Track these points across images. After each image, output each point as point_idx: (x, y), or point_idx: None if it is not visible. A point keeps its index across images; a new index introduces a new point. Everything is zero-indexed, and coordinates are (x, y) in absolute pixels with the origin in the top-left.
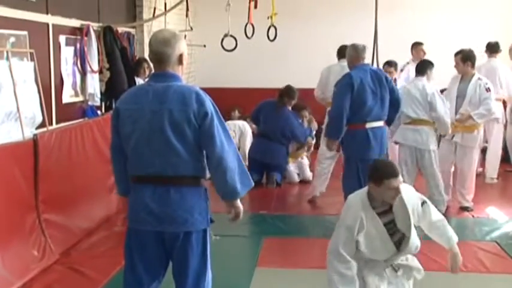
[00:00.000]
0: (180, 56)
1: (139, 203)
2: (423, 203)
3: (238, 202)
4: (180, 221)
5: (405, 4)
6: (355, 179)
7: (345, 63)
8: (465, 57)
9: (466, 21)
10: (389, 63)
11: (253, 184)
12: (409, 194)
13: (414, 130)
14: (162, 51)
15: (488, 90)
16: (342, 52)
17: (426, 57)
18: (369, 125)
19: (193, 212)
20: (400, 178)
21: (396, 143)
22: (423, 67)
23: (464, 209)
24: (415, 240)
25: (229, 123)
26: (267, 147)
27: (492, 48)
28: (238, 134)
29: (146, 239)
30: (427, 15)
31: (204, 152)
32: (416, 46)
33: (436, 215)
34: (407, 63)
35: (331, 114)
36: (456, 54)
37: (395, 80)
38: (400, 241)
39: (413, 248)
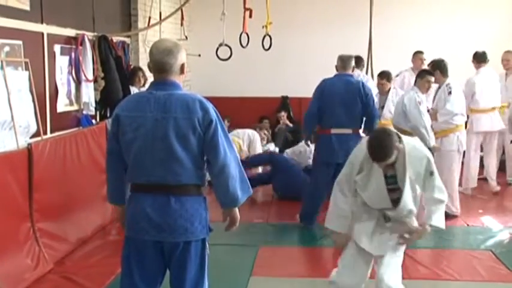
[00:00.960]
0: (182, 66)
1: (139, 212)
2: (431, 173)
3: (237, 210)
4: (181, 230)
5: (400, 13)
6: (316, 182)
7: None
8: (434, 67)
9: (462, 29)
10: (381, 75)
11: (252, 192)
12: (416, 154)
13: None
14: (164, 61)
15: (449, 93)
16: (357, 62)
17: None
18: (334, 131)
19: (194, 221)
20: (393, 157)
21: None
22: (416, 77)
23: (451, 216)
24: (408, 201)
25: (239, 132)
26: None
27: (480, 58)
28: (247, 142)
29: (145, 248)
30: (422, 24)
31: (205, 159)
32: (415, 55)
33: (439, 192)
34: (406, 70)
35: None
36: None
37: (388, 90)
38: (398, 200)
39: (405, 210)
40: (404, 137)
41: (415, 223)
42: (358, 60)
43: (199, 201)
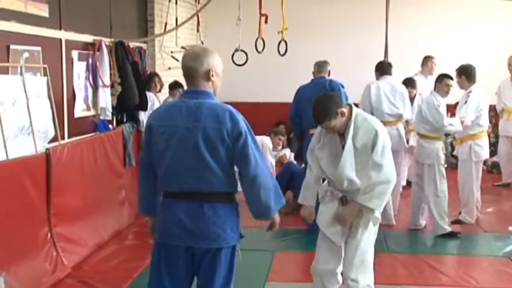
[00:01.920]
0: (208, 72)
1: (172, 218)
2: (373, 147)
3: (276, 215)
4: (213, 236)
5: (416, 18)
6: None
7: (388, 79)
8: (460, 72)
9: (476, 35)
10: (406, 83)
11: (284, 202)
12: (365, 126)
13: (418, 143)
14: (190, 65)
15: (465, 102)
16: (383, 69)
17: (437, 71)
18: (311, 131)
19: (226, 228)
20: (334, 121)
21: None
22: (435, 81)
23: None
24: (346, 167)
25: None
26: None
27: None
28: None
29: (177, 254)
30: (439, 29)
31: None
32: (425, 59)
33: (374, 169)
34: (415, 74)
35: None
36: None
37: (414, 96)
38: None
39: (343, 176)
40: (358, 110)
41: (371, 214)
42: (409, 81)
43: (232, 208)
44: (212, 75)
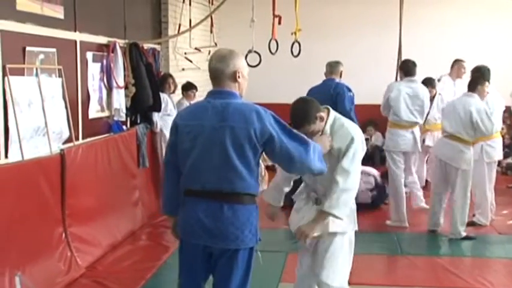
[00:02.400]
0: (234, 73)
1: (192, 216)
2: (345, 153)
3: None
4: (231, 237)
5: (431, 19)
6: None
7: (411, 82)
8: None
9: (490, 35)
10: (425, 82)
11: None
12: (342, 131)
13: (447, 144)
14: (216, 67)
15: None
16: (407, 69)
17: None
18: None
19: (244, 230)
20: (313, 126)
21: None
22: (473, 83)
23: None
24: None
25: None
26: None
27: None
28: None
29: (195, 252)
30: (454, 30)
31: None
32: (455, 63)
33: (341, 174)
34: (444, 75)
35: None
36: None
37: (434, 96)
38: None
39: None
40: (336, 114)
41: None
42: (429, 81)
43: (251, 210)
44: (238, 77)
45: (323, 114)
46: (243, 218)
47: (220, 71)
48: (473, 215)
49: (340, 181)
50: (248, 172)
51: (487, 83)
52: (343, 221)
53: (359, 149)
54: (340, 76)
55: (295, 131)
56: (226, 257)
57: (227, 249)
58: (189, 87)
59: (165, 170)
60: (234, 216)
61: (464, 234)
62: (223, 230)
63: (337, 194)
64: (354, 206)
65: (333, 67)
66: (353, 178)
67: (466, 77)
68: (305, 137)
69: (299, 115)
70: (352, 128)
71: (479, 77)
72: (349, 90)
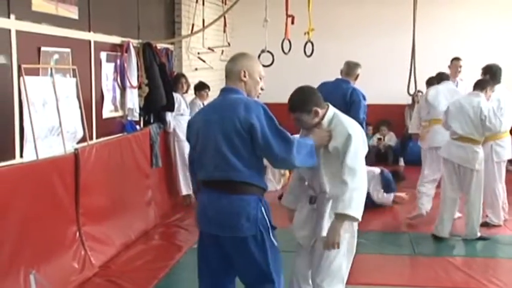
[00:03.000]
0: (239, 72)
1: (200, 207)
2: (345, 152)
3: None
4: (227, 225)
5: (445, 19)
6: None
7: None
8: (485, 71)
9: (504, 35)
10: (439, 81)
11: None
12: (340, 129)
13: (459, 146)
14: (227, 66)
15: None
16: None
17: (463, 73)
18: None
19: (239, 219)
20: (307, 115)
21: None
22: (483, 82)
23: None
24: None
25: None
26: None
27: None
28: None
29: (206, 241)
30: (468, 30)
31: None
32: (452, 61)
33: (348, 173)
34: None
35: None
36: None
37: None
38: None
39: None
40: (336, 111)
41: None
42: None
43: (249, 200)
44: (244, 76)
45: (320, 110)
46: (238, 207)
47: (228, 69)
48: (486, 216)
49: (348, 180)
50: (239, 161)
51: (496, 85)
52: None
53: (360, 146)
54: (356, 79)
55: (282, 129)
56: (237, 245)
57: (234, 238)
58: (201, 87)
59: (189, 166)
60: (230, 206)
61: (479, 234)
62: (220, 219)
63: (348, 194)
64: None
65: (350, 68)
66: (360, 176)
67: (463, 76)
68: (290, 136)
69: (296, 100)
70: (351, 126)
71: (489, 79)
72: (364, 98)
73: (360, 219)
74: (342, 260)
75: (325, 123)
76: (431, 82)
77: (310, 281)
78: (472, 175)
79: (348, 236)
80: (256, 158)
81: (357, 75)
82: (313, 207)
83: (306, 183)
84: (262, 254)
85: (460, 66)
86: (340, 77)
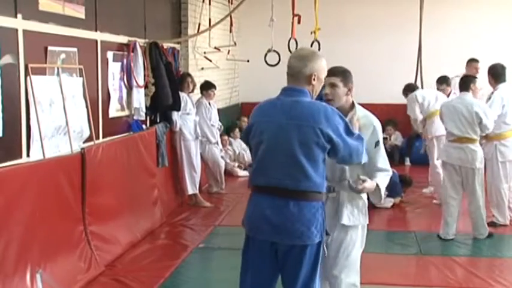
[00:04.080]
0: (310, 76)
1: (258, 212)
2: (377, 143)
3: None
4: (297, 234)
5: (451, 19)
6: None
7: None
8: (488, 71)
9: (510, 35)
10: (440, 81)
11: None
12: (364, 121)
13: (458, 148)
14: (294, 65)
15: (488, 99)
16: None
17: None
18: None
19: (310, 226)
20: (340, 82)
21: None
22: (467, 82)
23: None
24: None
25: None
26: None
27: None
28: None
29: (261, 248)
30: (474, 30)
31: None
32: (469, 63)
33: (383, 162)
34: (457, 76)
35: None
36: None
37: (449, 95)
38: None
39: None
40: (357, 104)
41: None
42: (444, 79)
43: (317, 207)
44: (313, 79)
45: (351, 92)
46: (308, 214)
47: (297, 69)
48: (493, 215)
49: (385, 167)
50: (314, 171)
51: (478, 82)
52: (355, 214)
53: (382, 136)
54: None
55: (351, 128)
56: (295, 253)
57: (293, 246)
58: (208, 87)
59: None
60: (300, 213)
61: (488, 232)
62: (289, 226)
63: (386, 177)
64: (366, 201)
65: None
66: (388, 163)
67: (481, 76)
68: (359, 133)
69: (341, 68)
70: (373, 117)
71: (472, 78)
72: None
73: (380, 201)
74: (357, 252)
75: (357, 111)
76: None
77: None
78: (474, 174)
79: (361, 229)
80: (324, 166)
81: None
82: (333, 195)
83: None
84: (315, 262)
85: (478, 68)
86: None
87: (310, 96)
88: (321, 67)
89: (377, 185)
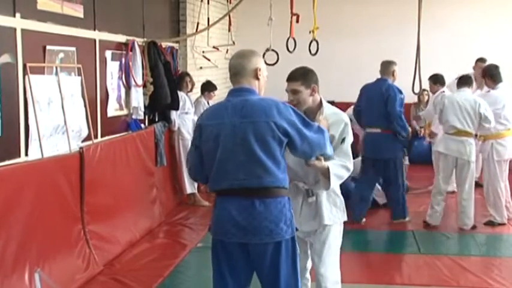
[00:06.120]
0: (256, 70)
1: (224, 215)
2: (343, 139)
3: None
4: (266, 231)
5: (449, 19)
6: (367, 176)
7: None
8: (484, 72)
9: (508, 35)
10: (434, 80)
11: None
12: (334, 118)
13: (457, 140)
14: (237, 62)
15: None
16: (466, 81)
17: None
18: (367, 130)
19: (278, 222)
20: (301, 87)
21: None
22: (467, 79)
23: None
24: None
25: None
26: None
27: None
28: None
29: (233, 250)
30: (472, 30)
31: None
32: (477, 62)
33: (344, 157)
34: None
35: None
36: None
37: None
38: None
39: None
40: (325, 102)
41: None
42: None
43: (283, 202)
44: (260, 74)
45: (316, 93)
46: (275, 211)
47: (241, 66)
48: (490, 215)
49: (345, 163)
50: (275, 165)
51: (498, 84)
52: (334, 212)
53: (351, 134)
54: (393, 75)
55: (310, 121)
56: (269, 252)
57: (266, 244)
58: (211, 88)
59: (190, 174)
60: (267, 211)
61: (472, 223)
62: (256, 225)
63: (341, 171)
64: (341, 197)
65: (384, 67)
66: (351, 162)
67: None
68: (320, 125)
69: (300, 71)
70: (343, 114)
71: (469, 76)
72: (400, 92)
73: (328, 189)
74: (338, 249)
75: (325, 110)
76: None
77: (307, 274)
78: (469, 167)
79: (339, 225)
80: (284, 161)
81: (393, 72)
82: (313, 199)
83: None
84: (293, 257)
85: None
86: (379, 77)
87: (257, 93)
88: (263, 65)
89: (328, 168)
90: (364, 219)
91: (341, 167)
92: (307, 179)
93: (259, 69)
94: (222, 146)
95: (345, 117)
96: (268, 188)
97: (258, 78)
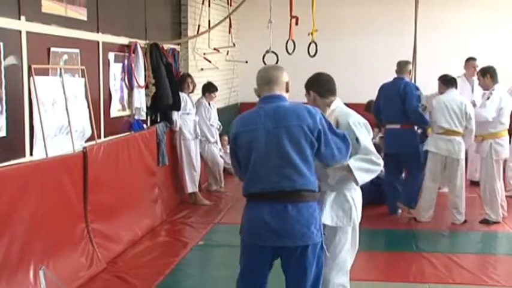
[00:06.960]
0: (287, 83)
1: (257, 219)
2: (357, 139)
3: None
4: (298, 235)
5: (445, 20)
6: (390, 170)
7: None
8: (484, 72)
9: (505, 36)
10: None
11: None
12: (343, 119)
13: (446, 140)
14: (271, 73)
15: (488, 98)
16: (452, 82)
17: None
18: (388, 126)
19: (310, 226)
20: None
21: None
22: (452, 81)
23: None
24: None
25: None
26: None
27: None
28: None
29: (262, 254)
30: (468, 31)
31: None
32: (467, 62)
33: (365, 152)
34: (458, 77)
35: None
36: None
37: None
38: None
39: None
40: (340, 104)
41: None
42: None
43: (314, 207)
44: (287, 89)
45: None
46: (307, 214)
47: (276, 76)
48: (485, 213)
49: (368, 156)
50: (307, 168)
51: (495, 85)
52: (339, 215)
53: (365, 131)
54: (410, 74)
55: (336, 128)
56: (297, 254)
57: (297, 248)
58: (212, 89)
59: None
60: (299, 214)
61: (464, 218)
62: (288, 229)
63: (365, 164)
64: (352, 203)
65: (401, 66)
66: (375, 154)
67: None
68: (344, 132)
69: (331, 82)
70: (352, 116)
71: (453, 77)
72: (417, 89)
73: (358, 184)
74: (346, 254)
75: (332, 110)
76: None
77: None
78: (458, 165)
79: (351, 231)
80: (314, 163)
81: (409, 71)
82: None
83: None
84: (319, 259)
85: (477, 66)
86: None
87: (287, 100)
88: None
89: (347, 165)
90: (400, 210)
91: (362, 160)
92: (325, 180)
93: (288, 83)
94: (256, 151)
95: (352, 117)
96: (301, 191)
97: (287, 90)
